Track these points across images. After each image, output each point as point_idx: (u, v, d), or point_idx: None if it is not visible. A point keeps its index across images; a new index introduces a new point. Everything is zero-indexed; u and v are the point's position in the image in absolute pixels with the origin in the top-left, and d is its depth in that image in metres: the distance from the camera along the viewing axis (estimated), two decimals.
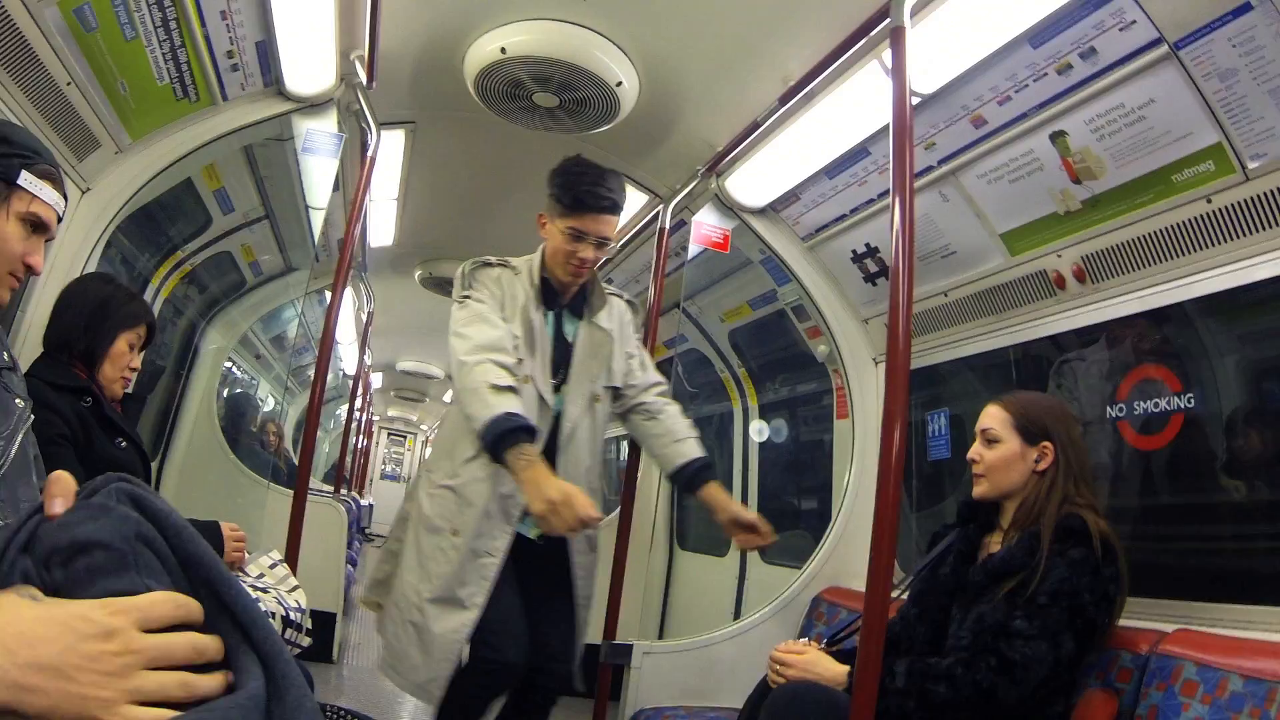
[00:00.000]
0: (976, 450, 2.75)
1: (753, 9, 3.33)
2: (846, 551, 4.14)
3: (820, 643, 2.85)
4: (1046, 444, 2.66)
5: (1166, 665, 2.38)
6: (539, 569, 3.17)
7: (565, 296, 3.32)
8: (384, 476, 23.21)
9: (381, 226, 6.25)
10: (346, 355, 10.33)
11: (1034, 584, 2.41)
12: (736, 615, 5.11)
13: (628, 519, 4.13)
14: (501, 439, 2.71)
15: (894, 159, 2.40)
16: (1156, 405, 3.12)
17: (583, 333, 3.29)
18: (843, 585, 3.79)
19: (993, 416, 2.75)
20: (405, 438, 23.74)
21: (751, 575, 5.30)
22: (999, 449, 2.70)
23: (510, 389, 2.83)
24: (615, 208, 3.22)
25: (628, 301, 3.53)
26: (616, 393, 3.41)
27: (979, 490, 2.73)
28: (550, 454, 3.09)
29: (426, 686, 3.00)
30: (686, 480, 3.32)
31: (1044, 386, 3.35)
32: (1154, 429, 3.14)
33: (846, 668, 2.53)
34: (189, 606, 0.89)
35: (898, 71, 2.52)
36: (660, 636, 5.86)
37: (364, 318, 8.45)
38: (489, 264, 3.31)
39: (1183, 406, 3.06)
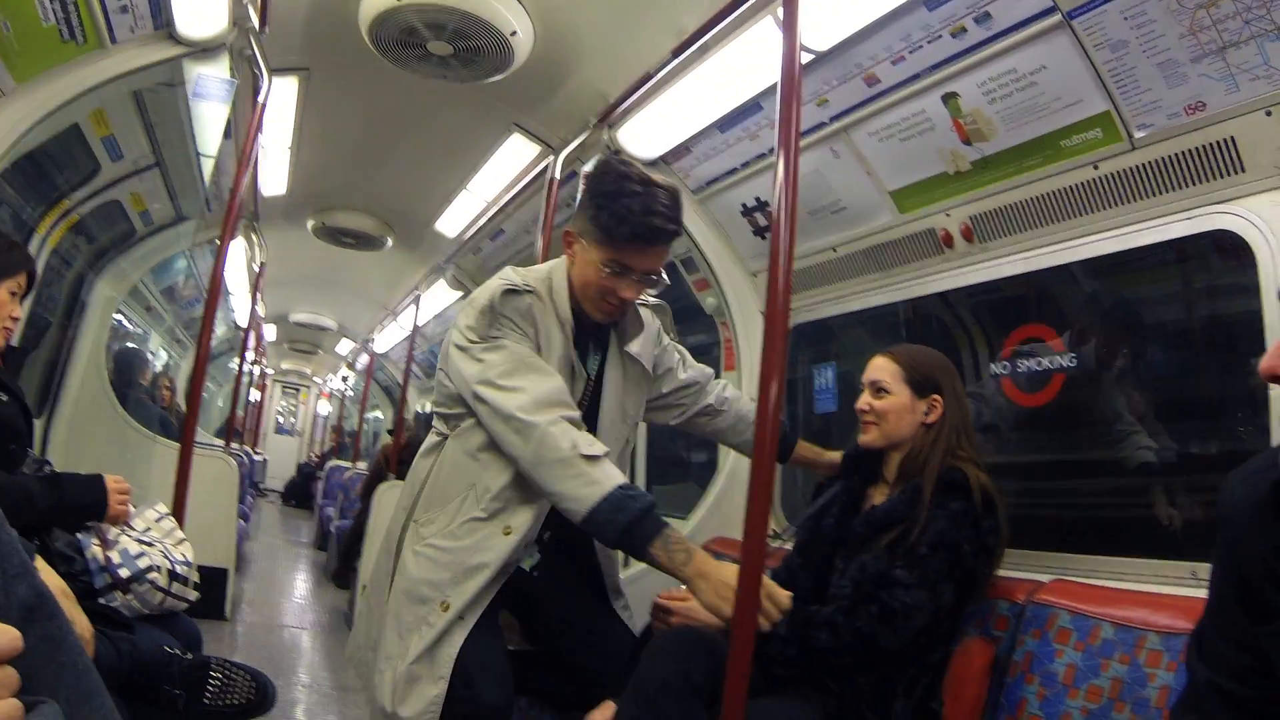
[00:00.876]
0: (866, 400, 2.75)
1: None
2: (732, 502, 4.14)
3: None
4: (935, 397, 2.68)
5: (1042, 614, 2.44)
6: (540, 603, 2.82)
7: (591, 324, 2.69)
8: (278, 430, 22.55)
9: (274, 175, 6.05)
10: (238, 307, 10.00)
11: (915, 535, 2.44)
12: (625, 563, 5.10)
13: None
14: (636, 525, 2.28)
15: (781, 115, 2.34)
16: (1039, 364, 3.18)
17: (612, 370, 2.78)
18: (728, 535, 3.80)
19: (882, 368, 2.75)
20: (299, 390, 23.02)
21: None
22: (889, 400, 2.70)
23: (605, 455, 2.37)
24: (673, 236, 2.58)
25: (655, 306, 2.97)
26: (662, 401, 3.04)
27: (868, 438, 2.73)
28: None
29: None
30: (780, 455, 2.86)
31: (932, 343, 3.38)
32: (1036, 387, 3.20)
33: None
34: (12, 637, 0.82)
35: (789, 27, 2.45)
36: None
37: (256, 268, 8.16)
38: (516, 291, 2.54)
39: (1064, 366, 3.12)
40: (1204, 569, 2.30)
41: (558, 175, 4.39)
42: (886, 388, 2.72)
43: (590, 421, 2.64)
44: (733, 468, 4.24)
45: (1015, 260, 3.16)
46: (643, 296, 2.69)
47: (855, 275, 3.86)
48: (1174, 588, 2.43)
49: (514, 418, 2.39)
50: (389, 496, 6.49)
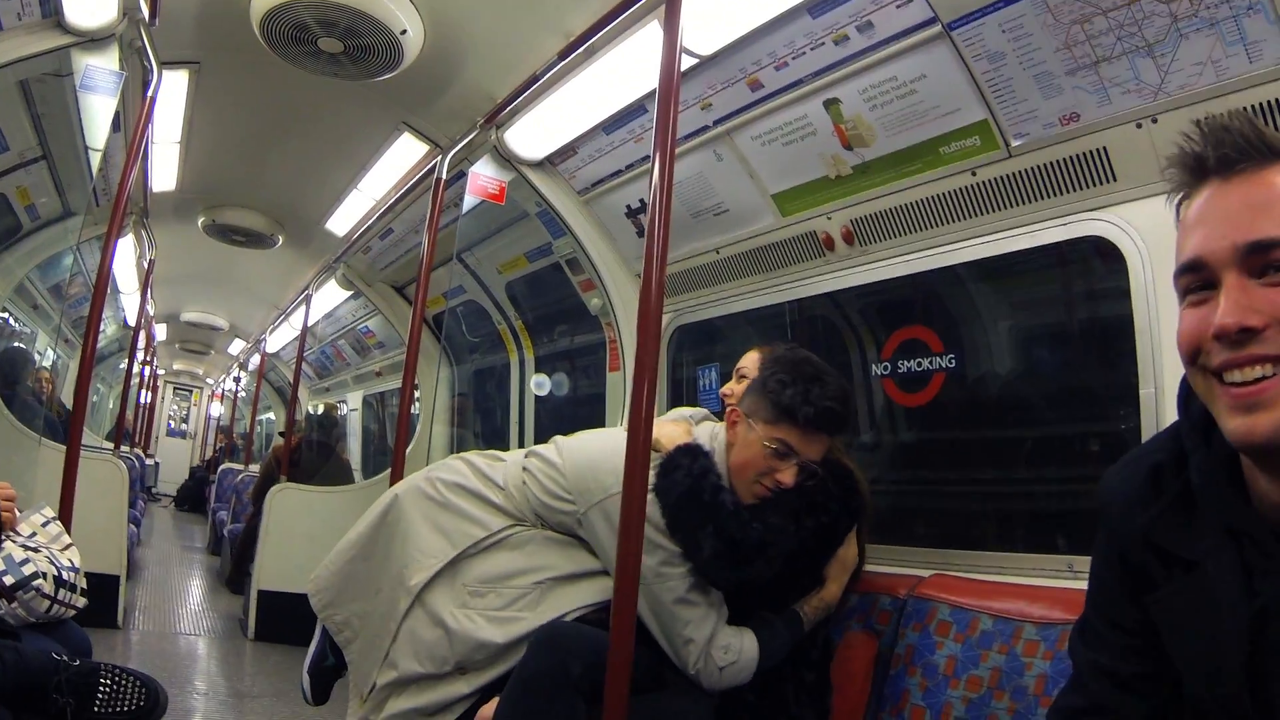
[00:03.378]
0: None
1: None
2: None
3: None
4: None
5: (923, 608, 2.46)
6: None
7: None
8: (170, 433, 21.53)
9: (164, 171, 5.76)
10: (128, 305, 9.50)
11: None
12: None
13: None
14: (788, 638, 2.44)
15: (659, 116, 2.31)
16: (919, 365, 3.18)
17: None
18: None
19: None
20: (191, 392, 22.02)
21: None
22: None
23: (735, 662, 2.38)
24: (839, 427, 2.56)
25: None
26: None
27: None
28: None
29: None
30: None
31: (818, 343, 3.34)
32: (916, 387, 3.20)
33: None
34: None
35: (669, 30, 2.40)
36: None
37: (145, 265, 7.79)
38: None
39: (944, 366, 3.12)
40: (1080, 561, 2.37)
41: (444, 175, 4.24)
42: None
43: None
44: None
45: (895, 263, 3.14)
46: None
47: (739, 277, 3.81)
48: (1051, 580, 2.46)
49: (690, 640, 2.37)
50: (281, 499, 6.32)
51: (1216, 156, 1.14)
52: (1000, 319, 3.19)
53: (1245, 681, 1.14)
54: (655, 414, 2.23)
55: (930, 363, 3.17)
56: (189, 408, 22.27)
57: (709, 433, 2.62)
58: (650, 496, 2.33)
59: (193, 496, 16.36)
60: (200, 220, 6.74)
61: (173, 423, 21.81)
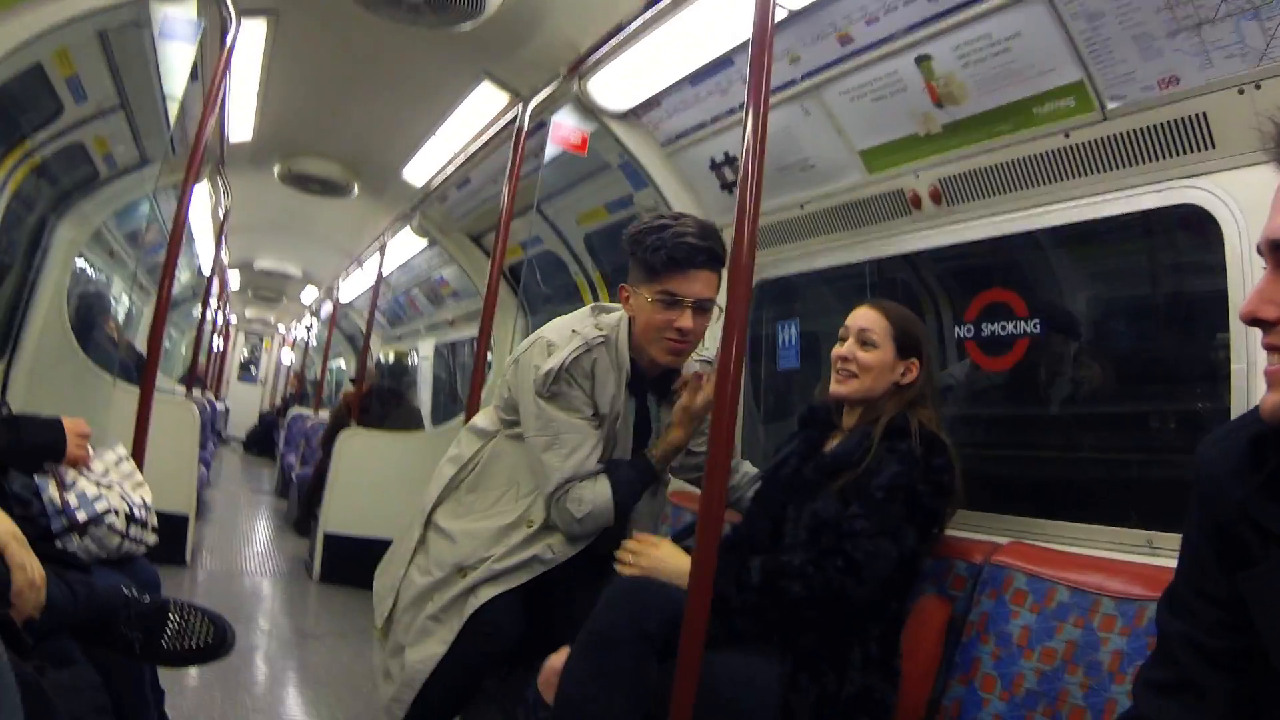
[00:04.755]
0: (850, 349, 2.67)
1: None
2: None
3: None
4: (914, 360, 2.65)
5: (999, 575, 2.44)
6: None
7: (650, 373, 2.88)
8: (242, 378, 21.87)
9: (241, 120, 5.82)
10: (203, 253, 9.71)
11: (865, 478, 2.43)
12: None
13: None
14: (638, 479, 2.77)
15: (751, 70, 2.28)
16: (1003, 329, 3.15)
17: (663, 422, 2.93)
18: (686, 489, 3.77)
19: (872, 319, 2.68)
20: (263, 339, 22.36)
21: None
22: (875, 354, 2.65)
23: (598, 491, 2.70)
24: (715, 260, 2.72)
25: (705, 361, 2.96)
26: (692, 459, 3.06)
27: (846, 388, 2.65)
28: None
29: (390, 708, 2.78)
30: None
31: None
32: (999, 352, 3.18)
33: None
34: None
35: None
36: None
37: (221, 214, 7.95)
38: (586, 352, 2.74)
39: (1028, 332, 3.09)
40: (1160, 538, 2.37)
41: (526, 125, 4.26)
42: (874, 340, 2.66)
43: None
44: None
45: (983, 224, 3.11)
46: (703, 354, 2.94)
47: (822, 233, 3.78)
48: (1130, 555, 2.43)
49: (547, 469, 2.69)
50: (350, 444, 6.44)
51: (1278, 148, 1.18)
52: (1088, 286, 3.14)
53: None
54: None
55: (1015, 327, 3.14)
56: (260, 354, 22.60)
57: (614, 319, 2.85)
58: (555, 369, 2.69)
59: (261, 441, 16.74)
60: (276, 169, 6.80)
61: (244, 368, 22.14)
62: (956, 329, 3.35)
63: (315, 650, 4.74)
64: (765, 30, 2.31)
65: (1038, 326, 3.09)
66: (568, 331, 2.78)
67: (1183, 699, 1.32)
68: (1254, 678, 1.27)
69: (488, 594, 2.69)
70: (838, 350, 2.71)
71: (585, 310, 2.93)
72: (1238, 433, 1.34)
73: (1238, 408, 2.28)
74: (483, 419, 2.99)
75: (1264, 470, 1.26)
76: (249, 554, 7.58)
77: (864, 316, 2.70)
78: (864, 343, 2.66)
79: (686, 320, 2.68)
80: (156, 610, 2.45)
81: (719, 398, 2.17)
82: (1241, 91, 2.29)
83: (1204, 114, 2.39)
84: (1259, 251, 1.23)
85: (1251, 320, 1.20)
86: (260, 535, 8.74)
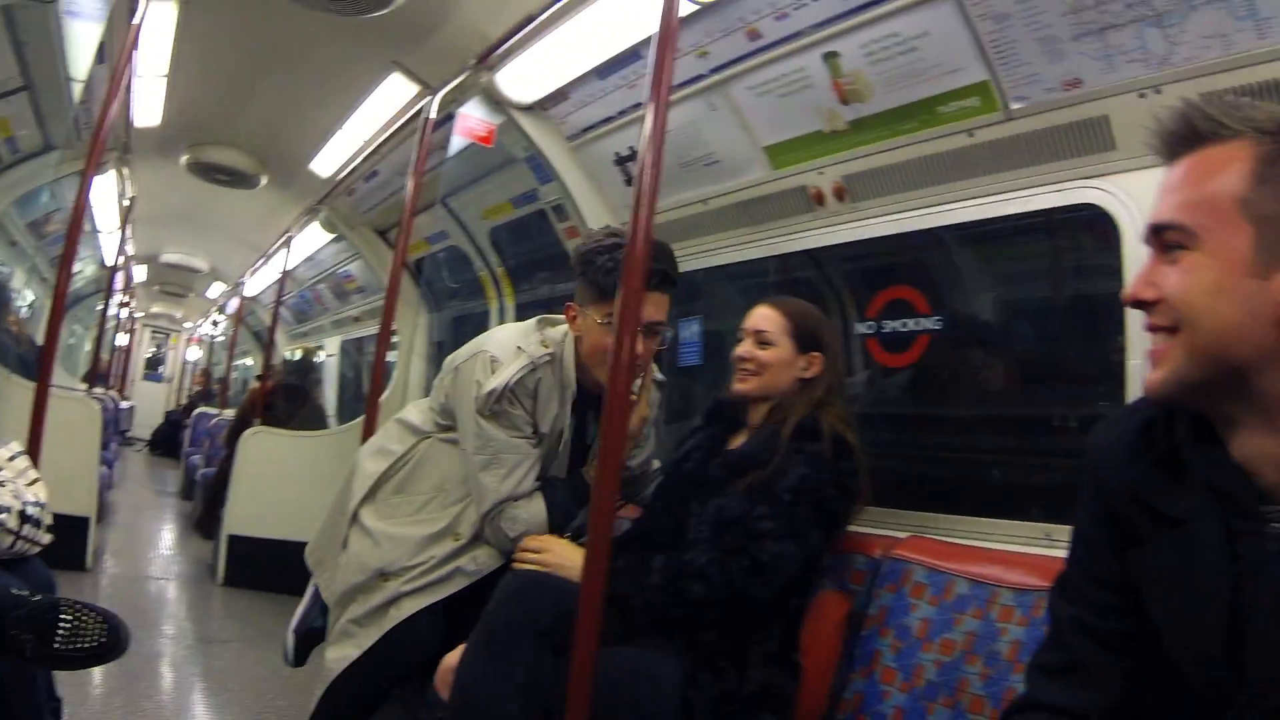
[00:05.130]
0: (748, 349, 2.65)
1: None
2: None
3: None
4: (816, 354, 2.62)
5: (897, 568, 2.44)
6: None
7: (592, 390, 2.73)
8: (146, 377, 21.10)
9: (148, 106, 5.61)
10: (107, 244, 9.33)
11: (772, 477, 2.40)
12: None
13: None
14: (572, 499, 2.73)
15: (654, 62, 2.23)
16: (904, 325, 3.17)
17: None
18: None
19: (768, 319, 2.66)
20: (169, 335, 21.56)
21: None
22: (773, 351, 2.62)
23: (534, 512, 2.66)
24: (667, 281, 2.64)
25: (657, 381, 2.93)
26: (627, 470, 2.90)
27: (746, 386, 2.62)
28: None
29: None
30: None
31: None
32: (900, 348, 3.19)
33: None
34: None
35: None
36: None
37: (125, 203, 7.65)
38: (534, 368, 2.66)
39: (929, 329, 3.11)
40: (1058, 530, 2.40)
41: (433, 115, 4.17)
42: (770, 339, 2.63)
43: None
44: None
45: (886, 221, 3.11)
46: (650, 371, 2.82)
47: (725, 229, 3.77)
48: (1028, 547, 2.46)
49: (482, 489, 2.64)
50: (254, 443, 6.27)
51: (1161, 147, 1.29)
52: (989, 284, 3.18)
53: (1223, 641, 1.17)
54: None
55: (915, 324, 3.17)
56: (165, 351, 21.95)
57: (559, 335, 2.77)
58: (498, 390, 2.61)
59: (167, 441, 16.18)
60: (183, 158, 6.60)
61: (149, 366, 21.52)
62: (858, 326, 3.35)
63: (220, 656, 4.57)
64: (670, 22, 2.26)
65: (939, 323, 3.12)
66: (512, 348, 2.70)
67: (1074, 680, 1.35)
68: (1144, 659, 1.30)
69: (410, 608, 2.62)
70: (737, 350, 2.69)
71: (531, 324, 2.85)
72: (1127, 419, 1.38)
73: (1133, 396, 2.30)
74: (416, 415, 2.91)
75: (1152, 453, 1.31)
76: (152, 557, 7.33)
77: (760, 317, 2.69)
78: (761, 343, 2.64)
79: (639, 346, 2.42)
80: (47, 610, 2.31)
81: (611, 390, 2.10)
82: (1142, 95, 2.33)
83: (1105, 116, 2.43)
84: (1144, 240, 1.30)
85: (1134, 302, 1.27)
86: (164, 538, 8.40)
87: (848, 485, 2.44)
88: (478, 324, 6.01)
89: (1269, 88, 2.11)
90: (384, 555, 2.67)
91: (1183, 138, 1.25)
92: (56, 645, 2.30)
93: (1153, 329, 1.26)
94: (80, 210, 3.76)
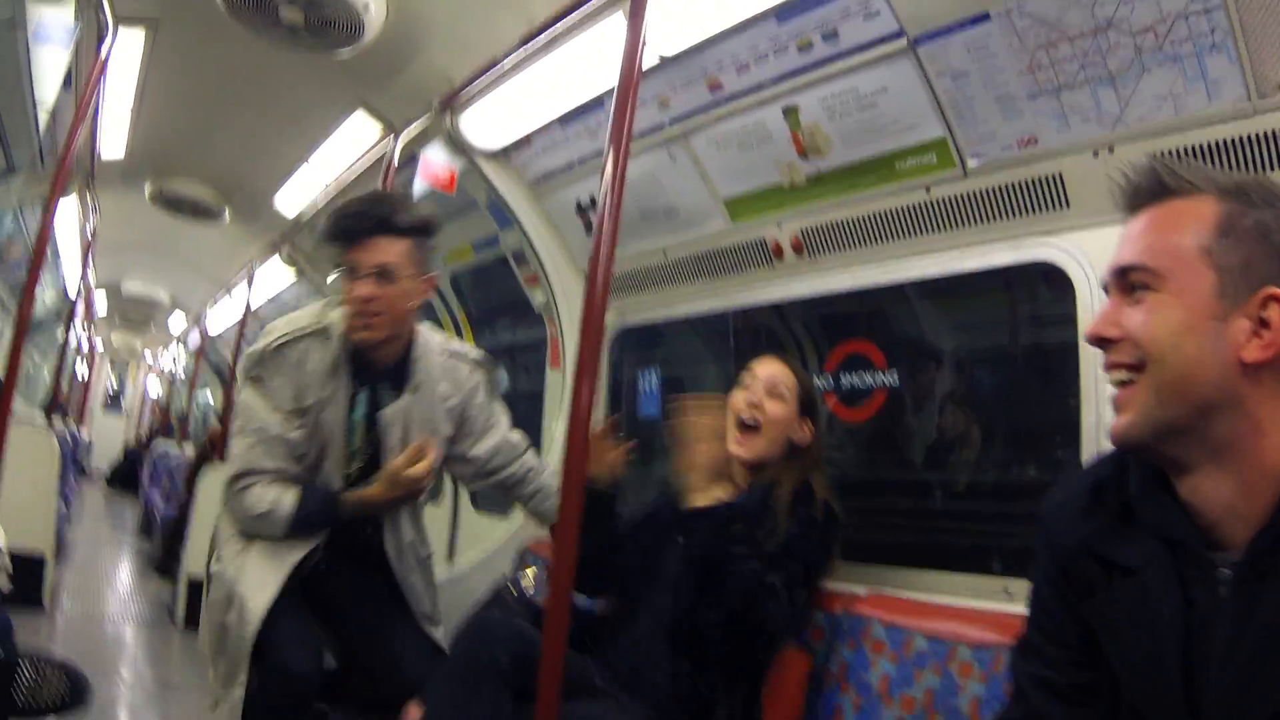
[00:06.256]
0: (759, 397, 2.61)
1: None
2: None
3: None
4: (810, 421, 2.63)
5: (857, 625, 2.45)
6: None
7: (380, 365, 2.71)
8: (106, 409, 20.72)
9: (113, 135, 5.50)
10: (69, 273, 9.19)
11: (764, 538, 2.39)
12: (450, 555, 4.89)
13: None
14: (321, 512, 2.62)
15: (615, 110, 2.28)
16: (862, 380, 3.16)
17: (396, 414, 2.70)
18: (547, 538, 3.67)
19: (784, 374, 2.64)
20: (129, 366, 21.16)
21: (464, 526, 4.97)
22: (782, 407, 2.60)
23: (277, 500, 2.59)
24: (386, 226, 2.58)
25: (475, 361, 2.93)
26: (466, 461, 2.95)
27: (747, 452, 2.57)
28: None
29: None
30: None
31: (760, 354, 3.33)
32: (857, 403, 3.18)
33: None
34: None
35: (634, 23, 2.33)
36: None
37: (89, 232, 7.50)
38: (294, 340, 2.63)
39: (886, 384, 3.11)
40: (1016, 585, 2.38)
41: (395, 162, 4.10)
42: (784, 394, 2.60)
43: (373, 463, 2.69)
44: (557, 467, 4.00)
45: (843, 276, 3.11)
46: (455, 346, 2.91)
47: (684, 280, 3.73)
48: (987, 603, 2.44)
49: (233, 458, 2.66)
50: (215, 482, 6.14)
51: (1125, 198, 1.38)
52: (946, 339, 3.18)
53: (1181, 686, 1.22)
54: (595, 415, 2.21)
55: (873, 379, 3.17)
56: (125, 383, 21.64)
57: (342, 313, 2.68)
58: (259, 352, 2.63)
59: (126, 476, 15.79)
60: (147, 188, 6.50)
61: (109, 398, 21.18)
62: (815, 379, 3.33)
63: (179, 701, 4.42)
64: (632, 73, 2.28)
65: (896, 378, 3.11)
66: (289, 319, 2.71)
67: None
68: (1106, 709, 1.36)
69: (259, 606, 2.51)
70: (740, 399, 2.63)
71: (322, 302, 2.81)
72: (1082, 479, 1.45)
73: (1088, 458, 2.28)
74: None
75: (1104, 510, 1.38)
76: (111, 597, 7.14)
77: (774, 370, 2.65)
78: (774, 395, 2.61)
79: (363, 288, 2.54)
80: (7, 668, 2.25)
81: (570, 445, 2.07)
82: (1096, 154, 2.35)
83: (1060, 174, 2.44)
84: (1103, 288, 1.38)
85: (1095, 340, 1.33)
86: (123, 577, 8.20)
87: (831, 551, 2.51)
88: None
89: (1218, 148, 2.14)
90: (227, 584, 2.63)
91: (1150, 191, 1.34)
92: (17, 700, 2.25)
93: (1114, 367, 1.32)
94: (44, 237, 3.64)
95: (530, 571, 2.99)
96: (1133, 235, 1.34)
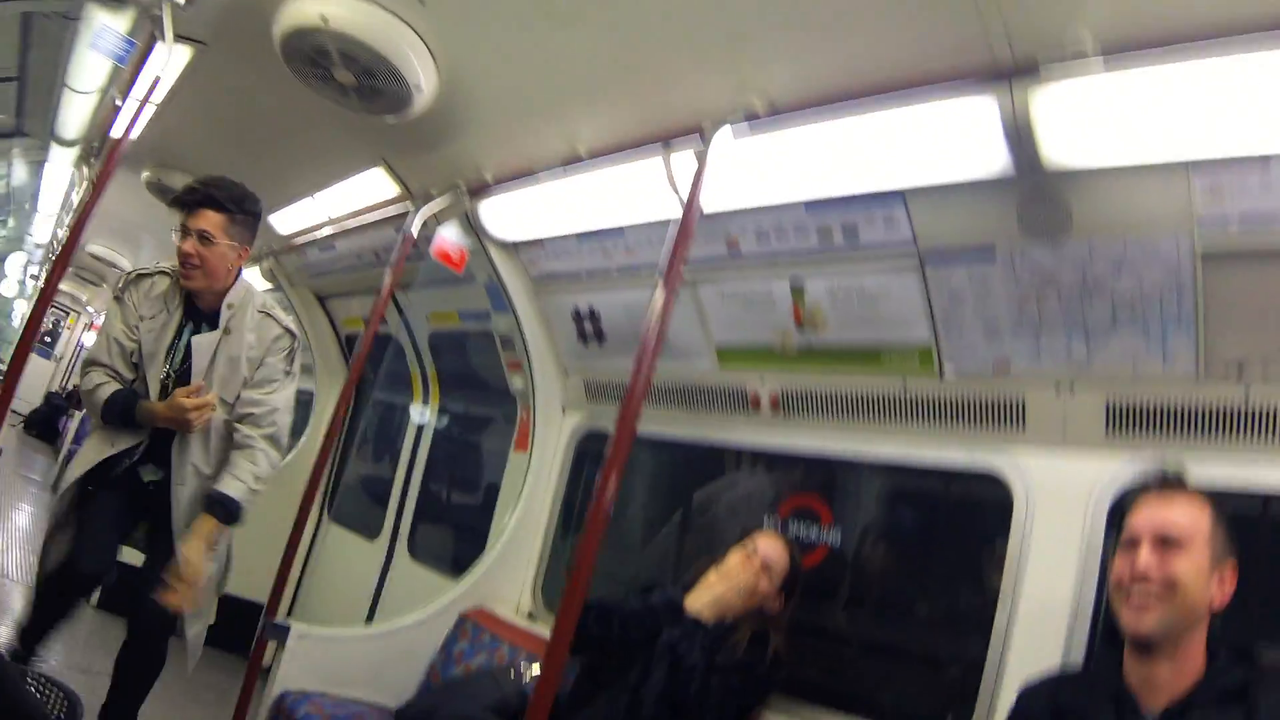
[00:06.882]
0: (755, 570, 2.96)
1: (564, 79, 3.30)
2: (499, 577, 4.12)
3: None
4: (785, 597, 3.01)
5: None
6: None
7: (206, 308, 3.36)
8: (37, 351, 20.06)
9: (128, 119, 5.53)
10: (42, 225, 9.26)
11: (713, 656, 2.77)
12: (372, 608, 4.93)
13: (311, 495, 3.83)
14: (122, 406, 3.18)
15: (671, 255, 2.58)
16: (807, 532, 3.36)
17: (202, 344, 3.31)
18: (488, 609, 3.82)
19: (779, 558, 2.99)
20: (69, 315, 20.71)
21: (397, 568, 5.11)
22: (768, 585, 2.96)
23: (100, 385, 3.23)
24: (211, 201, 3.26)
25: (285, 329, 3.51)
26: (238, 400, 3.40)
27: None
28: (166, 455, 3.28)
29: None
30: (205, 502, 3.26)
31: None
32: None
33: None
34: None
35: (695, 185, 2.63)
36: (290, 611, 5.43)
37: (75, 197, 7.51)
38: (148, 275, 3.37)
39: (827, 540, 3.32)
40: None
41: (415, 231, 4.12)
42: (773, 575, 3.01)
43: (183, 381, 3.28)
44: (508, 543, 4.21)
45: (811, 438, 3.38)
46: (273, 310, 3.50)
47: (663, 406, 3.91)
48: None
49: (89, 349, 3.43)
50: None
51: (1154, 482, 2.02)
52: (889, 512, 3.39)
53: None
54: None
55: (816, 533, 3.38)
56: (62, 329, 20.98)
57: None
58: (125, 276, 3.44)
59: (44, 423, 15.27)
60: (144, 174, 6.52)
61: (43, 340, 20.33)
62: (767, 520, 3.56)
63: (95, 690, 3.48)
64: (689, 221, 2.59)
65: (837, 538, 3.36)
66: (156, 262, 3.47)
67: None
68: None
69: (73, 475, 3.25)
70: (736, 561, 3.00)
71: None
72: (1049, 676, 2.13)
73: (994, 652, 2.56)
74: None
75: (1069, 682, 2.10)
76: (9, 560, 6.51)
77: (775, 550, 3.01)
78: (771, 573, 2.97)
79: (186, 245, 3.22)
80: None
81: (585, 541, 2.28)
82: (1058, 391, 2.66)
83: (1024, 399, 2.75)
84: (1147, 536, 1.92)
85: (1143, 575, 1.88)
86: (30, 535, 7.56)
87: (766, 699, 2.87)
88: (399, 419, 6.02)
89: (1166, 410, 2.47)
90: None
91: (1178, 482, 2.00)
92: None
93: (1143, 584, 1.87)
94: (85, 215, 3.90)
95: (536, 666, 3.28)
96: (1169, 511, 1.93)
